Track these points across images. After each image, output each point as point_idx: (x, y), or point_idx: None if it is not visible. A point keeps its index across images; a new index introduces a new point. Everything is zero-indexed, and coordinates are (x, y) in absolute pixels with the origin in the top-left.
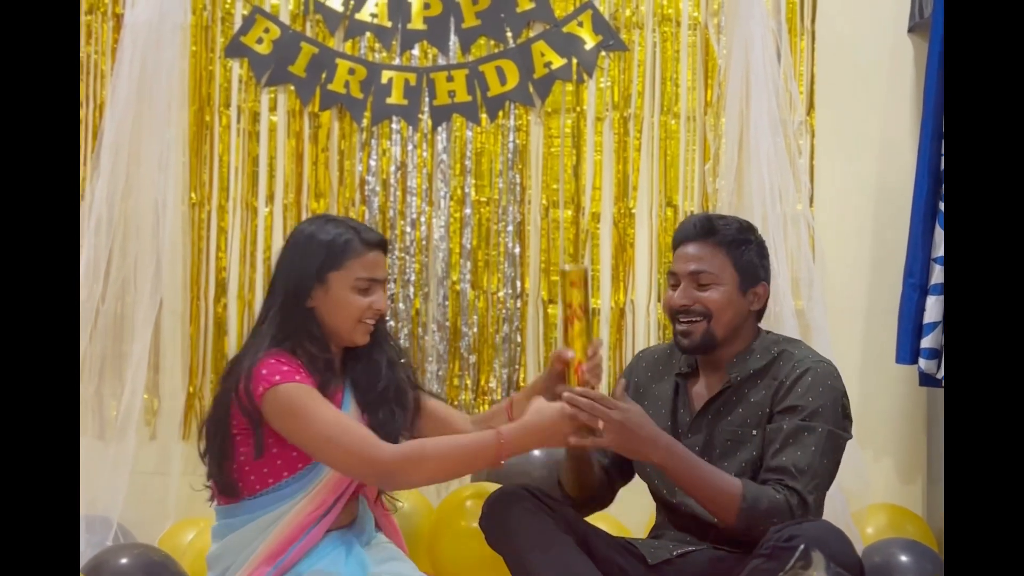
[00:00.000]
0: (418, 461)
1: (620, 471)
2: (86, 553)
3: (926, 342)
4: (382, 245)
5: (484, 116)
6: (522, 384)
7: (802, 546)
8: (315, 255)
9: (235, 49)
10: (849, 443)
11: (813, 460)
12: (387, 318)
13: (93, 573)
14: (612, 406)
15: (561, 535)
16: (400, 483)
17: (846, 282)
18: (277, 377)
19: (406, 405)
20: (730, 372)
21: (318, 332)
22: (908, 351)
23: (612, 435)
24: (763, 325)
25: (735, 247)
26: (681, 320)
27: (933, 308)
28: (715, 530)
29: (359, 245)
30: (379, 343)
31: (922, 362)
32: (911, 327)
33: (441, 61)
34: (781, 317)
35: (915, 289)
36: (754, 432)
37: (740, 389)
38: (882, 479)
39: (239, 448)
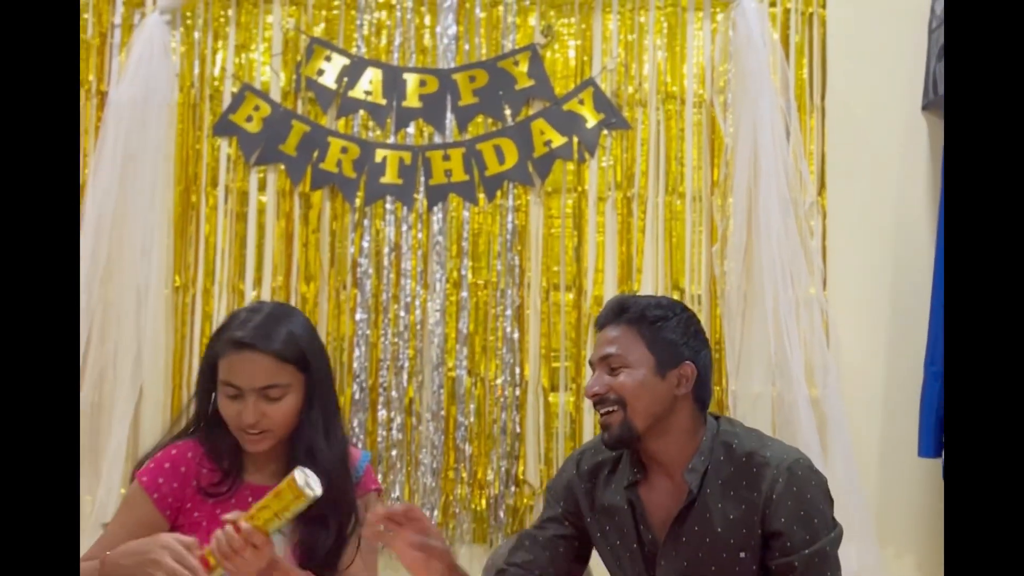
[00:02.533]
0: None
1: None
2: None
3: None
4: (245, 345)
5: (482, 196)
6: (521, 478)
7: None
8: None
9: (224, 127)
10: (870, 540)
11: None
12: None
13: None
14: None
15: None
16: None
17: (863, 370)
18: (139, 471)
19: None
20: (688, 479)
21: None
22: (931, 444)
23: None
24: (776, 413)
25: (646, 324)
26: (599, 411)
27: None
28: None
29: (221, 344)
30: (282, 453)
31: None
32: (933, 418)
33: (437, 139)
34: (795, 406)
35: (937, 378)
36: (742, 555)
37: (713, 504)
38: None
39: None
